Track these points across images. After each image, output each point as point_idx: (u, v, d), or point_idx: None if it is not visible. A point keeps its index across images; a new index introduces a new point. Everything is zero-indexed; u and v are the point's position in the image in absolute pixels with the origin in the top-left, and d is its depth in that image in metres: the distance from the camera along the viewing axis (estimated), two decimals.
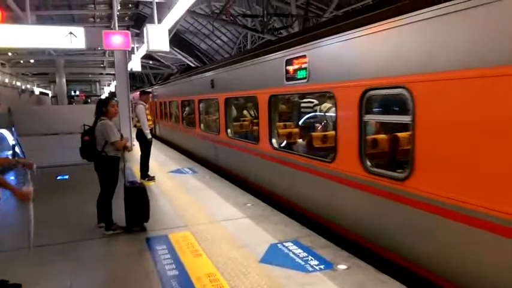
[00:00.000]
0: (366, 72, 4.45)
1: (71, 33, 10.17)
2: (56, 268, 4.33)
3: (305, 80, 5.65)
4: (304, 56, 5.64)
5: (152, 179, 8.61)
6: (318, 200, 5.60)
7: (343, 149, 4.92)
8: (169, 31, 11.11)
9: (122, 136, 5.48)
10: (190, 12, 18.57)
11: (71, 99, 40.20)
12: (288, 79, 6.12)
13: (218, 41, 30.94)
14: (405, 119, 4.00)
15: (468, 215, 3.28)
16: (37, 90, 43.91)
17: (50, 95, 46.59)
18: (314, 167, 5.61)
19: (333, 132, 5.40)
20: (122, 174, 5.53)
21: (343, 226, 5.06)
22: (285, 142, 7.62)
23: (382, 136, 5.36)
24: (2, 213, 3.93)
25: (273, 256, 4.38)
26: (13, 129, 12.33)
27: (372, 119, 4.82)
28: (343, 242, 4.83)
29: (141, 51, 16.66)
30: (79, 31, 10.30)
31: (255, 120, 8.27)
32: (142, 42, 14.42)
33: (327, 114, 7.01)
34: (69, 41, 10.20)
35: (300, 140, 7.65)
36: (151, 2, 11.75)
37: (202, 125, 11.60)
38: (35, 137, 12.42)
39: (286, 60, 6.12)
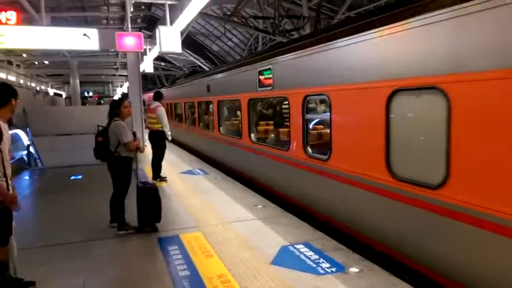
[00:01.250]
0: (306, 83, 5.98)
1: (84, 34, 10.30)
2: (69, 267, 4.38)
3: (271, 87, 7.16)
4: (269, 69, 7.18)
5: (164, 179, 8.66)
6: (279, 179, 7.20)
7: (294, 140, 6.47)
8: (181, 33, 11.19)
9: (135, 135, 5.53)
10: (202, 14, 18.62)
11: (84, 100, 40.63)
12: (260, 86, 7.61)
13: (229, 43, 31.03)
14: (327, 117, 5.53)
15: (354, 180, 4.91)
16: (51, 91, 44.49)
17: (64, 96, 47.17)
18: (278, 155, 7.12)
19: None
20: (135, 175, 5.58)
21: (292, 197, 6.68)
22: (261, 136, 9.03)
23: (318, 131, 6.89)
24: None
25: (284, 258, 4.37)
26: (28, 129, 12.53)
27: (311, 117, 6.40)
28: (356, 245, 4.81)
29: (154, 53, 16.80)
30: (93, 33, 10.42)
31: (240, 120, 9.51)
32: (155, 44, 14.53)
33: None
34: (83, 43, 10.33)
35: (272, 135, 9.05)
36: (163, 4, 11.86)
37: (201, 124, 12.97)
38: (49, 137, 12.61)
39: (259, 71, 7.55)
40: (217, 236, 5.15)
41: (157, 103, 8.76)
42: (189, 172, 9.72)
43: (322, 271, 4.00)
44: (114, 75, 36.17)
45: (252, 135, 8.47)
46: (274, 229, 5.31)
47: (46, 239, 5.21)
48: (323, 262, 4.21)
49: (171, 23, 10.96)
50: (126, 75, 24.21)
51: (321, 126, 6.83)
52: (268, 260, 4.32)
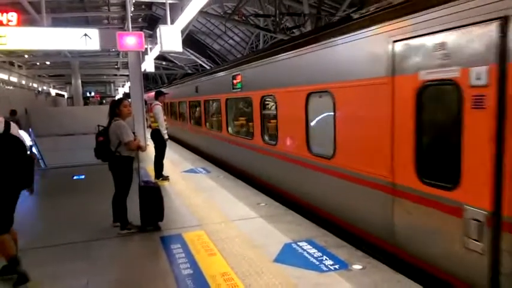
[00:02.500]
0: (262, 86, 7.66)
1: (85, 34, 10.29)
2: (73, 267, 4.39)
3: (240, 89, 8.79)
4: (239, 74, 8.80)
5: (166, 178, 8.66)
6: (246, 163, 8.96)
7: (255, 131, 8.19)
8: (182, 32, 11.17)
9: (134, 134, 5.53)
10: (203, 13, 18.60)
11: (86, 100, 40.66)
12: (233, 88, 9.21)
13: (230, 41, 30.98)
14: (275, 113, 7.26)
15: (291, 158, 6.63)
16: (53, 92, 44.60)
17: (66, 96, 47.24)
18: (246, 144, 8.76)
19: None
20: (136, 174, 5.58)
21: (253, 174, 8.44)
22: (235, 129, 10.38)
23: (271, 123, 7.97)
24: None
25: (287, 255, 4.37)
26: (30, 130, 12.54)
27: (266, 112, 7.87)
28: (359, 242, 4.80)
29: (155, 52, 16.80)
30: (93, 33, 10.42)
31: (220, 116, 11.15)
32: (156, 43, 14.55)
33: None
34: (84, 43, 10.32)
35: (243, 128, 10.23)
36: (164, 3, 11.84)
37: (192, 121, 14.56)
38: (52, 138, 12.61)
39: (232, 75, 9.22)
40: (220, 234, 5.15)
41: (155, 101, 8.76)
42: (191, 171, 9.73)
43: (325, 268, 4.00)
44: (116, 75, 36.21)
45: (229, 128, 10.16)
46: (277, 227, 5.31)
47: (49, 239, 5.21)
48: (326, 259, 4.20)
49: (172, 22, 10.94)
50: (127, 75, 24.21)
51: (273, 120, 7.89)
52: (271, 258, 4.32)
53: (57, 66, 30.77)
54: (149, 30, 21.62)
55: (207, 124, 12.31)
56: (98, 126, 5.53)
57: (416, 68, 3.82)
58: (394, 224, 4.22)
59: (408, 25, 3.90)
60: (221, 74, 10.46)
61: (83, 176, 9.62)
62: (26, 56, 25.70)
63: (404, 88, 3.99)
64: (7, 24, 9.58)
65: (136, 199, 5.41)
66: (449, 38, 3.48)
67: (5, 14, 9.56)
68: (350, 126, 5.00)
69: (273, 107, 7.49)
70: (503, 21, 3.02)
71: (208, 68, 27.13)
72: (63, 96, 47.32)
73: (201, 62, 30.66)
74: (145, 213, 5.40)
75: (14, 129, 3.95)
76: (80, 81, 28.85)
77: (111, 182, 5.48)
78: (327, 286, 3.66)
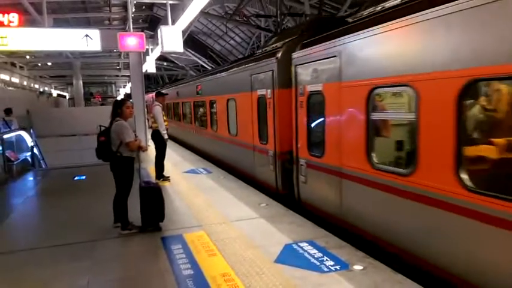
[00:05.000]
0: (210, 93, 11.51)
1: (87, 35, 10.32)
2: (73, 267, 4.39)
3: (201, 95, 12.80)
4: (200, 84, 13.03)
5: (167, 179, 8.66)
6: (206, 146, 12.64)
7: (209, 123, 11.92)
8: (183, 32, 11.20)
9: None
10: (204, 13, 18.62)
11: (87, 101, 40.64)
12: (197, 94, 13.29)
13: (232, 42, 30.96)
14: (215, 111, 11.24)
15: (223, 138, 10.54)
16: (55, 93, 44.63)
17: (67, 97, 47.29)
18: (204, 132, 12.59)
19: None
20: (137, 175, 5.58)
21: (208, 153, 12.18)
22: (199, 123, 13.79)
23: (216, 118, 11.24)
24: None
25: (288, 256, 4.36)
26: (32, 130, 12.57)
27: (212, 111, 11.48)
28: (359, 243, 4.79)
29: (156, 53, 16.84)
30: (95, 33, 10.45)
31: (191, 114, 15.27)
32: (157, 44, 14.57)
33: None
34: (85, 44, 10.35)
35: (203, 122, 13.16)
36: (165, 4, 11.87)
37: (175, 118, 18.60)
38: (53, 138, 12.65)
39: (196, 85, 13.46)
40: (220, 234, 5.15)
41: (155, 102, 8.78)
42: (192, 171, 9.74)
43: (326, 269, 3.99)
44: (117, 75, 36.29)
45: (196, 122, 14.09)
46: (278, 227, 5.30)
47: (50, 240, 5.22)
48: (327, 260, 4.19)
49: (173, 22, 10.97)
50: (128, 76, 24.23)
51: (215, 116, 11.29)
52: (271, 258, 4.31)
53: (58, 67, 30.82)
54: (150, 31, 21.65)
55: (184, 120, 16.47)
56: (100, 126, 5.53)
57: (256, 88, 7.85)
58: (254, 165, 8.24)
59: (253, 68, 7.98)
60: (192, 83, 14.70)
61: (84, 177, 9.62)
62: (28, 57, 25.77)
63: (254, 98, 7.97)
64: (8, 25, 9.62)
65: (137, 199, 5.41)
66: (262, 76, 7.50)
67: (6, 15, 9.60)
68: (242, 117, 8.84)
69: (215, 107, 11.04)
70: (272, 71, 7.03)
71: (209, 68, 27.19)
72: (64, 97, 47.35)
73: (202, 63, 30.67)
74: (146, 213, 5.39)
75: None
76: (81, 82, 28.87)
77: (112, 183, 5.48)
78: (327, 287, 3.65)
